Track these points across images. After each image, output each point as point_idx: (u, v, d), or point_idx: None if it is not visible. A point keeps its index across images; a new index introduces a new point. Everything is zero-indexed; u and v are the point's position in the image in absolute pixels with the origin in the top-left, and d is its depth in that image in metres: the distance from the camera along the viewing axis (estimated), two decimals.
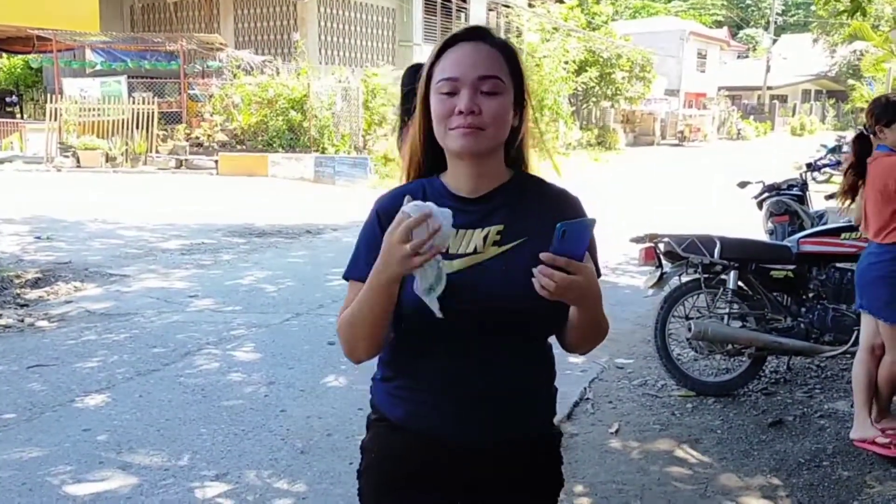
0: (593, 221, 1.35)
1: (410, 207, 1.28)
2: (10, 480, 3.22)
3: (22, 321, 5.62)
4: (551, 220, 1.34)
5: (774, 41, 51.08)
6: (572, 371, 4.78)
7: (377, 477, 1.59)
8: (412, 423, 1.52)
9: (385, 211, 1.50)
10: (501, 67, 1.44)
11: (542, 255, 1.29)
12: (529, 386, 1.54)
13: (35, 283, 6.69)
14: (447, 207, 1.33)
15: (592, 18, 29.93)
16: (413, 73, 3.66)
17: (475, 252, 1.45)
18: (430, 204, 1.29)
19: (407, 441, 1.53)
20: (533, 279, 1.31)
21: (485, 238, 1.46)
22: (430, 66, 1.46)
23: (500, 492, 1.55)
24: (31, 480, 3.23)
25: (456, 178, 1.50)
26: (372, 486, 1.60)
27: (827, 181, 13.76)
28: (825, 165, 10.62)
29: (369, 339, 1.45)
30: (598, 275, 1.53)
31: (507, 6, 25.15)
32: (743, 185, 7.98)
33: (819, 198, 8.31)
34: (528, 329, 1.49)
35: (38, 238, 8.62)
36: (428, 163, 1.54)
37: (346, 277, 1.54)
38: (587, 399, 4.39)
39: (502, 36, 1.52)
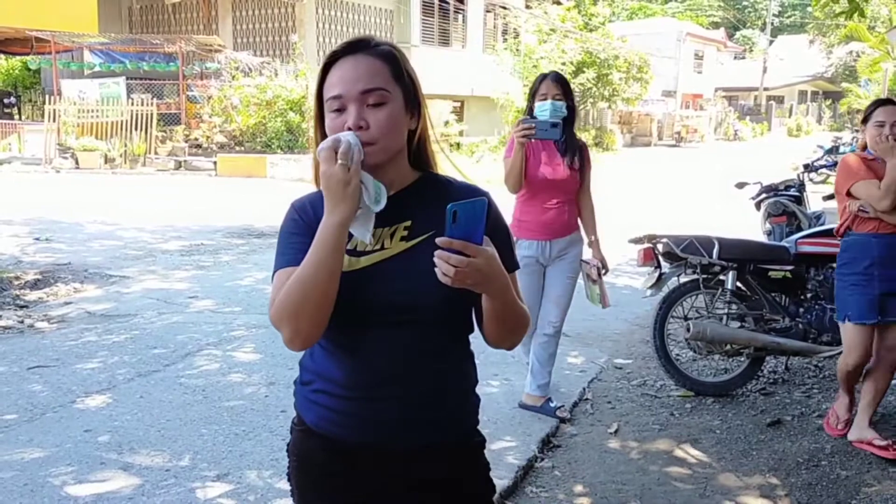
0: (485, 201, 1.33)
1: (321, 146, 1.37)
2: (11, 481, 3.23)
3: (22, 322, 5.62)
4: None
5: (771, 42, 51.21)
6: (571, 371, 4.80)
7: (298, 481, 1.61)
8: (323, 427, 1.53)
9: (299, 205, 1.55)
10: (385, 77, 1.45)
11: (438, 240, 1.29)
12: (441, 388, 1.52)
13: (35, 285, 6.70)
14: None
15: (589, 20, 29.95)
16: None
17: (382, 248, 1.47)
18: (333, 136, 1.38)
19: (320, 446, 1.54)
20: (435, 268, 1.31)
21: (392, 235, 1.48)
22: (319, 84, 1.48)
23: (419, 499, 1.55)
24: (32, 481, 3.23)
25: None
26: (297, 490, 1.63)
27: (824, 182, 13.79)
28: (822, 166, 10.65)
29: (317, 310, 1.38)
30: (515, 265, 1.55)
31: (505, 7, 25.19)
32: (741, 185, 8.01)
33: (816, 198, 8.34)
34: (433, 323, 1.47)
35: (38, 239, 8.62)
36: None
37: (275, 270, 1.49)
38: (586, 399, 4.41)
39: (388, 41, 1.53)
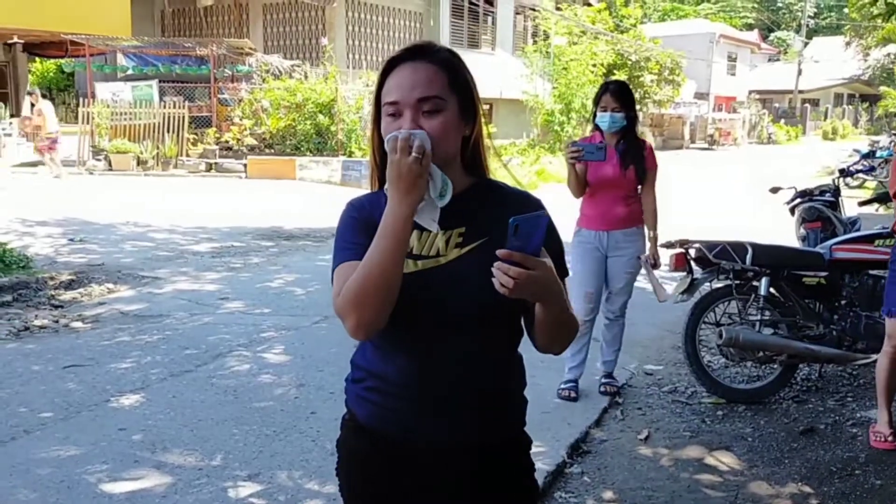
0: (546, 216, 1.37)
1: (392, 135, 1.39)
2: (48, 478, 3.29)
3: (57, 322, 5.72)
4: (504, 221, 1.35)
5: (806, 44, 50.46)
6: (601, 377, 4.77)
7: (348, 476, 1.65)
8: (375, 423, 1.56)
9: (358, 203, 1.58)
10: (441, 85, 1.47)
11: (499, 252, 1.31)
12: (491, 389, 1.55)
13: (69, 285, 6.81)
14: None
15: (621, 21, 29.81)
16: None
17: (437, 255, 1.49)
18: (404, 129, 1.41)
19: (371, 442, 1.57)
20: (493, 278, 1.32)
21: (447, 241, 1.50)
22: (378, 88, 1.50)
23: (464, 496, 1.57)
24: (68, 478, 3.29)
25: None
26: (345, 485, 1.66)
27: (860, 187, 13.57)
28: (858, 171, 10.47)
29: (380, 299, 1.39)
30: (566, 273, 1.56)
31: (535, 9, 25.12)
32: (775, 190, 7.91)
33: (852, 204, 8.22)
34: (484, 328, 1.50)
35: (72, 240, 8.77)
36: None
37: (334, 266, 1.50)
38: (616, 405, 4.38)
39: (447, 47, 1.54)
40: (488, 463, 1.56)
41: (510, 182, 1.66)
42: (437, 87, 1.46)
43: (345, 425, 1.64)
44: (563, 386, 4.41)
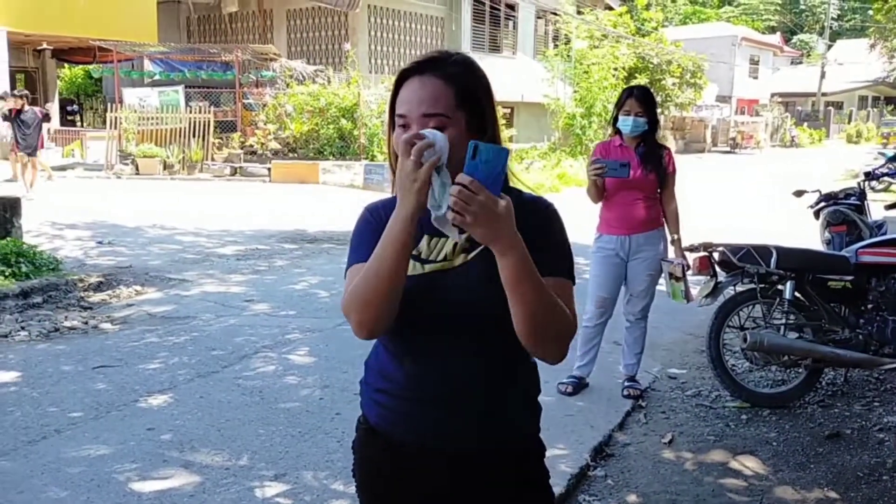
0: (507, 151, 1.34)
1: (405, 136, 1.40)
2: (79, 476, 3.35)
3: (86, 323, 5.81)
4: (519, 224, 1.35)
5: (829, 46, 49.98)
6: (624, 380, 4.77)
7: (362, 478, 1.66)
8: (385, 426, 1.57)
9: (373, 207, 1.61)
10: (447, 101, 1.46)
11: (459, 177, 1.30)
12: (499, 396, 1.54)
13: (98, 287, 6.91)
14: (427, 217, 1.40)
15: (642, 25, 29.71)
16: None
17: (444, 260, 1.51)
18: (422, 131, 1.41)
19: (383, 445, 1.58)
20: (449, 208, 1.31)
21: (454, 246, 1.51)
22: (393, 97, 1.52)
23: (475, 501, 1.58)
24: (98, 477, 3.35)
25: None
26: (360, 487, 1.67)
27: (885, 190, 13.41)
28: (884, 174, 10.34)
29: (381, 300, 1.41)
30: (570, 276, 1.54)
31: (556, 13, 25.11)
32: (799, 193, 7.84)
33: (878, 207, 8.13)
34: (490, 334, 1.49)
35: (100, 243, 8.90)
36: None
37: (347, 268, 1.55)
38: (640, 408, 4.38)
39: (462, 55, 1.55)
40: (499, 470, 1.56)
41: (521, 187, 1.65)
42: (443, 104, 1.46)
43: (359, 428, 1.66)
44: (565, 380, 4.46)
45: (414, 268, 1.49)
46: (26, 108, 12.38)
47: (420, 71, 1.49)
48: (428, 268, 1.51)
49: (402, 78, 1.51)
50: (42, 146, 11.96)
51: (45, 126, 13.28)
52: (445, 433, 1.52)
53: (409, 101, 1.47)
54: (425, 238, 1.52)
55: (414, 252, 1.49)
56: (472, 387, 1.52)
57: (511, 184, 1.62)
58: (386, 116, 1.57)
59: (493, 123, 1.54)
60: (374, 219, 1.57)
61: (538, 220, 1.53)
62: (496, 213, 1.30)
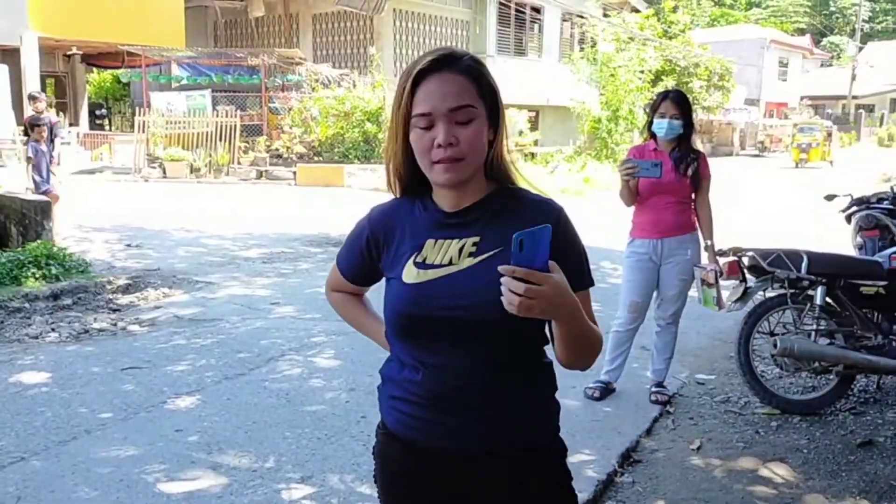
0: (549, 228, 1.30)
1: None
2: (109, 477, 3.38)
3: (115, 325, 5.88)
4: (519, 229, 1.33)
5: (860, 49, 49.30)
6: (652, 385, 4.72)
7: (383, 484, 1.66)
8: (403, 431, 1.56)
9: (379, 212, 1.65)
10: (472, 93, 1.47)
11: (501, 268, 1.29)
12: (513, 398, 1.52)
13: (126, 289, 7.00)
14: (430, 220, 1.53)
15: (669, 27, 29.52)
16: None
17: (450, 263, 1.50)
18: None
19: (400, 449, 1.57)
20: (501, 297, 1.30)
21: (460, 249, 1.50)
22: (408, 99, 1.47)
23: (495, 503, 1.56)
24: (127, 477, 3.38)
25: (439, 197, 1.55)
26: (380, 491, 1.68)
27: None
28: None
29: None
30: (589, 283, 1.53)
31: (582, 16, 25.04)
32: (830, 198, 7.72)
33: None
34: (500, 338, 1.48)
35: (129, 245, 9.01)
36: (413, 183, 1.57)
37: (336, 261, 1.79)
38: (668, 414, 4.34)
39: (469, 53, 1.54)
40: (518, 470, 1.55)
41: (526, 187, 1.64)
42: (469, 97, 1.46)
43: (378, 433, 1.66)
44: (591, 384, 4.44)
45: (417, 275, 1.50)
46: (44, 114, 10.82)
47: (437, 69, 1.47)
48: (431, 273, 1.50)
49: (417, 79, 1.47)
50: (55, 162, 10.44)
51: (58, 138, 10.84)
52: (461, 436, 1.51)
53: (433, 98, 1.45)
54: (429, 242, 1.52)
55: (418, 259, 1.51)
56: (484, 389, 1.50)
57: (515, 181, 1.61)
58: (391, 120, 1.53)
59: (503, 121, 1.55)
60: (372, 235, 1.63)
61: (554, 228, 1.48)
62: (560, 292, 1.32)
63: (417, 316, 1.48)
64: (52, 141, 10.17)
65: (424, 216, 1.55)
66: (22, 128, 12.57)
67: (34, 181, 9.32)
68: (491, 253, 1.48)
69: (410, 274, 1.51)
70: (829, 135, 30.03)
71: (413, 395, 1.54)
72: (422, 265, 1.50)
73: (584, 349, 1.47)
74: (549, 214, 1.50)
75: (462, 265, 1.49)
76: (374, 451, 1.68)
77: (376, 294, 1.65)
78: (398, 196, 1.61)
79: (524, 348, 1.54)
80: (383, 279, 1.64)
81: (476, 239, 1.50)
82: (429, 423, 1.53)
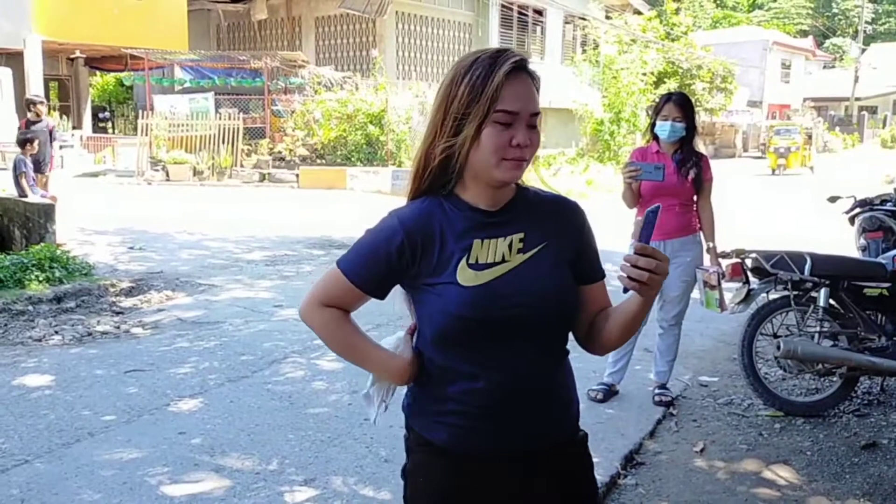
0: (658, 207, 1.45)
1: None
2: (112, 479, 3.38)
3: (118, 328, 5.88)
4: (560, 223, 1.55)
5: (863, 50, 49.23)
6: (655, 387, 4.72)
7: (430, 500, 1.60)
8: (456, 444, 1.53)
9: (412, 229, 1.52)
10: (538, 100, 1.51)
11: (638, 246, 1.38)
12: (560, 389, 1.58)
13: (129, 292, 7.00)
14: (470, 221, 1.50)
15: (671, 29, 29.50)
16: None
17: (503, 260, 1.50)
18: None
19: (453, 464, 1.55)
20: (619, 275, 1.38)
21: (509, 246, 1.52)
22: (494, 94, 1.44)
23: (547, 497, 1.58)
24: (131, 480, 3.38)
25: (477, 195, 1.53)
26: None
27: None
28: None
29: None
30: (604, 275, 1.64)
31: (584, 19, 25.04)
32: (833, 199, 7.72)
33: None
34: (555, 330, 1.53)
35: (131, 248, 9.01)
36: (439, 180, 1.55)
37: (339, 266, 1.57)
38: (671, 416, 4.33)
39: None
40: (570, 460, 1.61)
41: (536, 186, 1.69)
42: (538, 103, 1.51)
43: (415, 451, 1.61)
44: (595, 387, 4.44)
45: (474, 277, 1.48)
46: (43, 118, 10.92)
47: (523, 68, 1.49)
48: (487, 274, 1.49)
49: (509, 71, 1.45)
50: (52, 166, 10.38)
51: (56, 142, 11.23)
52: (527, 435, 1.54)
53: (522, 99, 1.47)
54: (476, 242, 1.51)
55: (470, 260, 1.49)
56: (543, 383, 1.54)
57: (528, 184, 1.65)
58: (443, 112, 1.49)
59: None
60: (408, 242, 1.51)
61: (578, 221, 1.60)
62: (666, 270, 1.42)
63: (480, 318, 1.46)
64: (51, 144, 10.23)
65: (462, 216, 1.52)
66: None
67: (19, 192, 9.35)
68: (539, 247, 1.53)
69: (466, 276, 1.48)
70: (810, 137, 27.83)
71: (473, 406, 1.51)
72: (475, 266, 1.49)
73: (633, 331, 1.56)
74: (574, 210, 1.62)
75: (515, 262, 1.51)
76: (408, 471, 1.63)
77: (371, 312, 1.63)
78: (413, 195, 1.58)
79: (564, 342, 1.59)
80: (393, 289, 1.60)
81: (521, 235, 1.53)
82: (495, 428, 1.52)
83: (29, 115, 10.50)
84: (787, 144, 25.38)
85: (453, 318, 1.47)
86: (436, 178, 1.54)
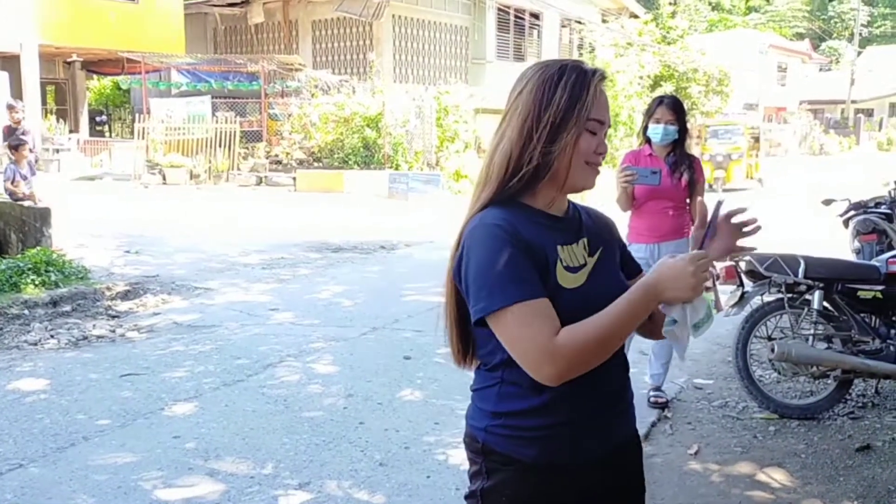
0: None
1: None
2: (106, 484, 3.38)
3: (113, 332, 5.89)
4: (603, 228, 1.65)
5: (859, 53, 49.35)
6: (649, 390, 4.72)
7: None
8: (547, 458, 1.52)
9: (503, 221, 1.48)
10: None
11: (737, 217, 1.68)
12: (628, 385, 1.65)
13: (125, 296, 7.00)
14: (549, 226, 1.53)
15: (667, 33, 29.55)
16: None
17: (584, 263, 1.56)
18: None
19: (543, 478, 1.53)
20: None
21: (584, 249, 1.58)
22: (590, 99, 1.51)
23: (624, 496, 1.65)
24: (125, 484, 3.38)
25: (548, 201, 1.57)
26: None
27: None
28: None
29: (607, 355, 1.48)
30: None
31: (580, 22, 25.08)
32: (828, 202, 7.73)
33: None
34: None
35: (127, 252, 9.02)
36: (528, 182, 1.53)
37: (505, 305, 1.42)
38: (665, 419, 4.34)
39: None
40: (630, 460, 1.66)
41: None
42: None
43: (496, 470, 1.55)
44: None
45: (575, 279, 1.52)
46: (21, 125, 10.68)
47: (604, 79, 1.56)
48: (581, 276, 1.54)
49: (595, 80, 1.54)
50: (33, 173, 9.76)
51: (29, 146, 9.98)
52: (605, 438, 1.57)
53: (607, 110, 1.55)
54: (559, 247, 1.53)
55: (569, 264, 1.53)
56: (621, 380, 1.61)
57: None
58: (544, 119, 1.50)
59: None
60: (513, 239, 1.46)
61: (613, 225, 1.71)
62: None
63: (582, 319, 1.46)
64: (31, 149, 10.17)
65: (540, 222, 1.54)
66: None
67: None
68: (601, 249, 1.60)
69: (567, 279, 1.51)
70: (757, 140, 21.65)
71: (564, 415, 1.51)
72: (570, 269, 1.53)
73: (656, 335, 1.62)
74: (606, 217, 1.73)
75: (590, 264, 1.57)
76: (486, 490, 1.56)
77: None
78: (487, 202, 1.54)
79: None
80: None
81: (586, 239, 1.59)
82: (584, 434, 1.53)
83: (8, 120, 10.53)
84: (725, 150, 19.43)
85: (564, 322, 1.44)
86: (526, 184, 1.52)
